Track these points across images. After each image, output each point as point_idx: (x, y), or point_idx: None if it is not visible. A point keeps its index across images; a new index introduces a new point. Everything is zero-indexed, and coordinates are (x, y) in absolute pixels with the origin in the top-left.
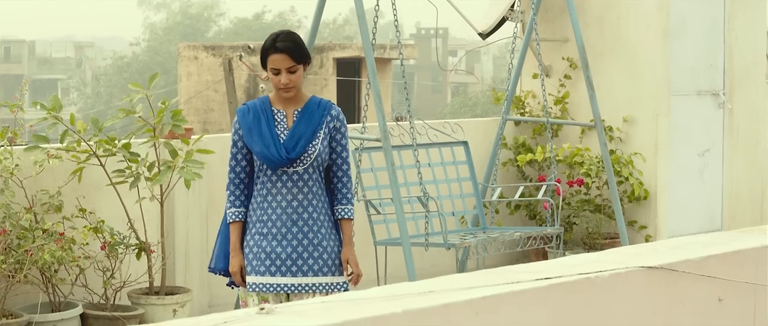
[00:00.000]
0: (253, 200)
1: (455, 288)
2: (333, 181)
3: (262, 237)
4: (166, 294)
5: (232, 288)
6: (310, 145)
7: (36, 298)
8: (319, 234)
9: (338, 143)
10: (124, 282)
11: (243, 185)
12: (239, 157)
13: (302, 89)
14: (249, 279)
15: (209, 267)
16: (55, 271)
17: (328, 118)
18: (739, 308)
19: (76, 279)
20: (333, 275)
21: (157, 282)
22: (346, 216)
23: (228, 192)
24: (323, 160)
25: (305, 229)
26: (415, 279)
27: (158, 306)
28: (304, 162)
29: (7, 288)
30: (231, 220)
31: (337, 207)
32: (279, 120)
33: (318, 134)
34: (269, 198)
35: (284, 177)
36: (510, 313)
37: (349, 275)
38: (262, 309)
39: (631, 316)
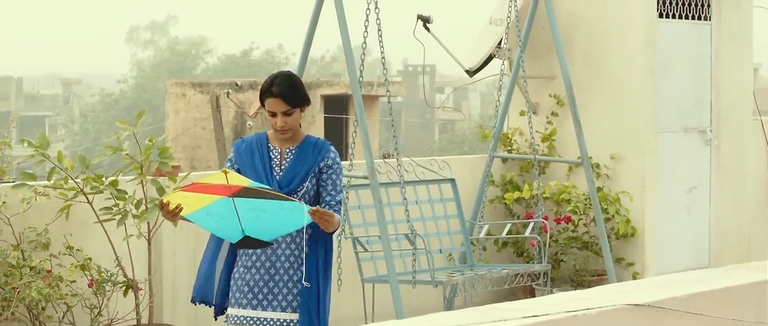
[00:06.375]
0: None
1: None
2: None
3: (246, 270)
4: None
5: (217, 319)
6: (302, 185)
7: None
8: (282, 269)
9: (328, 178)
10: (112, 319)
11: None
12: None
13: (300, 129)
14: (230, 311)
15: (192, 298)
16: (43, 308)
17: (321, 159)
18: None
19: (63, 317)
20: (284, 311)
21: (144, 320)
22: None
23: None
24: (310, 197)
25: (272, 259)
26: (403, 316)
27: None
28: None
29: None
30: None
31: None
32: (273, 157)
33: (310, 174)
34: None
35: None
36: None
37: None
38: None
39: None
